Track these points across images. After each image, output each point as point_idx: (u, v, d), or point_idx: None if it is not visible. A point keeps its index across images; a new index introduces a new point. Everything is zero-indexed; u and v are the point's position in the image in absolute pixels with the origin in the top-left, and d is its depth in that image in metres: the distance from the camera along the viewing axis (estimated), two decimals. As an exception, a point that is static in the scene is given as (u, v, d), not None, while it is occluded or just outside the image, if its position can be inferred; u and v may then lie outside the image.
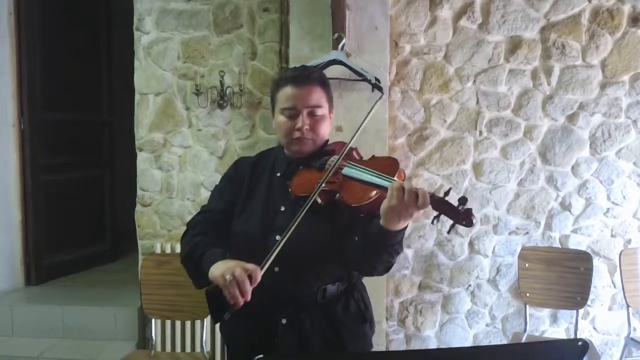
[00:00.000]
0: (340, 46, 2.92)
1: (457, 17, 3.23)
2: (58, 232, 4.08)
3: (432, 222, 1.39)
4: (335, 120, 3.04)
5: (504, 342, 3.28)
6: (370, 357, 1.54)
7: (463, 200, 1.32)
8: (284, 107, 1.68)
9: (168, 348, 3.30)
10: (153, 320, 3.00)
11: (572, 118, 3.23)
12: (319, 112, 1.68)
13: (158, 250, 3.31)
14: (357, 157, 1.71)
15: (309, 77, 1.68)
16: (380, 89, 2.94)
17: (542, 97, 3.23)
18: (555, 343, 1.62)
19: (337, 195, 1.54)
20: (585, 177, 3.26)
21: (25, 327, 3.54)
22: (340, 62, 2.89)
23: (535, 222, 3.29)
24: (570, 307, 3.10)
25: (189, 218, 3.37)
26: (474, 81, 3.25)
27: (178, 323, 3.29)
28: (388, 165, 1.58)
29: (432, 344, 3.37)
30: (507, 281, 3.33)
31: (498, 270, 3.33)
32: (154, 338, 3.05)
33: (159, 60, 3.39)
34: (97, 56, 4.40)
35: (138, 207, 3.49)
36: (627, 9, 3.16)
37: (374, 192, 1.48)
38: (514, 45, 3.22)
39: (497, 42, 3.22)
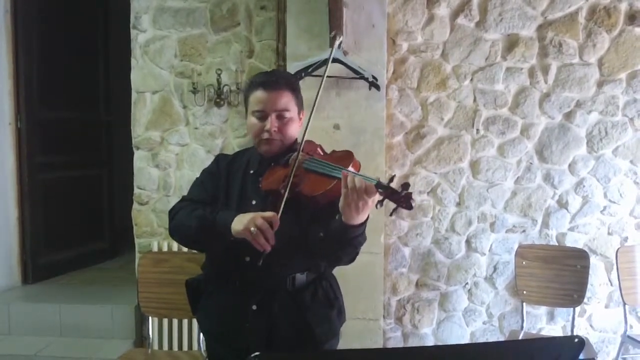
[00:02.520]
0: (337, 44, 2.92)
1: (455, 15, 3.23)
2: (55, 230, 4.07)
3: (376, 207, 1.47)
4: (332, 118, 3.08)
5: (501, 339, 3.29)
6: (367, 355, 1.54)
7: (405, 185, 1.41)
8: (254, 110, 1.80)
9: (165, 346, 3.30)
10: (150, 319, 2.99)
11: (569, 116, 3.24)
12: (287, 115, 1.79)
13: (155, 249, 3.32)
14: (321, 153, 1.83)
15: (277, 82, 1.79)
16: (377, 87, 2.94)
17: (539, 95, 3.24)
18: (552, 340, 1.62)
19: (297, 187, 1.65)
20: (582, 175, 3.26)
21: (22, 325, 3.53)
22: (337, 60, 2.88)
23: (532, 220, 3.29)
24: (567, 304, 3.11)
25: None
26: (471, 79, 3.25)
27: (175, 321, 3.30)
28: (343, 158, 1.70)
29: (430, 342, 3.37)
30: (504, 279, 3.33)
31: (495, 268, 3.33)
32: (151, 336, 3.05)
33: (156, 59, 3.38)
34: (94, 54, 4.39)
35: (135, 206, 3.49)
36: (624, 7, 3.17)
37: (329, 183, 1.59)
38: (511, 43, 3.22)
39: (494, 40, 3.23)
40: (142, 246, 3.45)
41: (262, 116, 1.78)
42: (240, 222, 1.63)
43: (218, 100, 3.30)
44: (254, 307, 1.76)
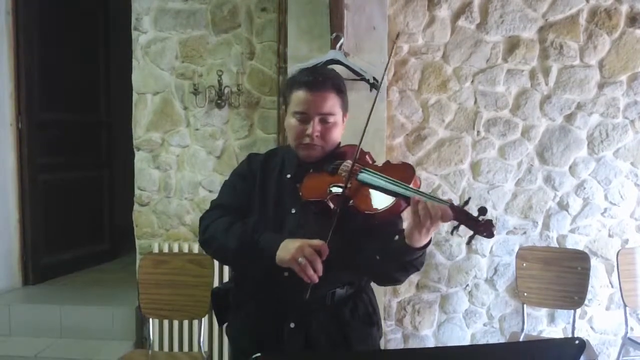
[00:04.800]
0: (338, 46, 2.93)
1: (455, 17, 3.23)
2: (56, 231, 4.07)
3: (452, 233, 1.38)
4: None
5: (502, 341, 3.28)
6: (368, 356, 1.54)
7: (483, 210, 1.32)
8: (295, 111, 1.65)
9: (166, 347, 3.30)
10: (151, 320, 2.99)
11: (569, 118, 3.24)
12: (331, 119, 1.65)
13: (156, 250, 3.31)
14: (370, 161, 1.68)
15: (324, 82, 1.64)
16: (377, 89, 2.94)
17: (540, 97, 3.24)
18: (553, 342, 1.63)
19: (351, 201, 1.51)
20: (582, 177, 3.26)
21: (22, 327, 3.53)
22: (339, 62, 2.88)
23: (533, 222, 3.29)
24: (568, 306, 3.11)
25: (187, 218, 3.43)
26: (472, 81, 3.25)
27: (176, 322, 3.29)
28: (403, 172, 1.54)
29: (430, 344, 3.37)
30: (505, 281, 3.33)
31: (496, 270, 3.33)
32: (151, 337, 3.05)
33: (157, 60, 3.39)
34: (95, 56, 4.39)
35: (136, 207, 3.49)
36: (624, 9, 3.17)
37: (388, 200, 1.46)
38: (512, 45, 3.22)
39: (495, 42, 3.23)
40: (142, 247, 3.45)
41: (304, 119, 1.64)
42: (286, 251, 1.49)
43: (219, 101, 3.30)
44: (292, 325, 1.63)
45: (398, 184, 1.46)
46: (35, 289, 3.91)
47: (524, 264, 3.12)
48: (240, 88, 3.28)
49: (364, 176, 1.54)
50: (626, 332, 3.06)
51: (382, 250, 1.51)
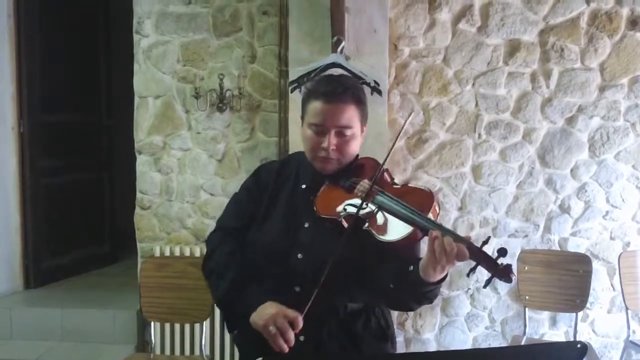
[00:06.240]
0: (339, 49, 2.93)
1: (456, 20, 3.24)
2: (57, 234, 4.08)
3: (468, 275, 1.33)
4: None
5: (504, 345, 3.28)
6: (369, 357, 1.54)
7: (502, 252, 1.27)
8: (311, 122, 1.58)
9: (167, 351, 3.30)
10: (152, 323, 2.99)
11: (571, 121, 3.24)
12: (348, 132, 1.57)
13: (157, 253, 3.32)
14: (389, 180, 1.60)
15: (343, 94, 1.55)
16: (379, 92, 2.95)
17: (541, 100, 3.24)
18: (554, 345, 1.62)
19: (366, 224, 1.46)
20: (584, 180, 3.26)
21: (24, 330, 3.53)
22: (340, 66, 2.89)
23: (534, 225, 3.29)
24: (570, 310, 3.10)
25: (188, 221, 3.43)
26: (473, 84, 3.25)
27: (177, 326, 3.29)
28: (422, 199, 1.46)
29: (432, 347, 3.36)
30: (507, 284, 3.31)
31: (497, 273, 3.32)
32: (153, 341, 3.05)
33: (159, 64, 3.39)
34: (96, 59, 4.40)
35: (137, 210, 3.49)
36: (625, 12, 3.17)
37: (405, 229, 1.40)
38: (513, 48, 3.22)
39: (496, 45, 3.23)
40: (144, 251, 3.45)
41: (320, 131, 1.56)
42: (260, 317, 1.46)
43: (220, 105, 3.30)
44: (302, 338, 1.53)
45: (416, 213, 1.40)
46: (36, 292, 3.92)
47: (526, 267, 3.11)
48: (242, 91, 3.28)
49: (381, 200, 1.47)
50: (628, 335, 3.06)
51: (396, 278, 1.47)
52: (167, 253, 3.30)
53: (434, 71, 3.26)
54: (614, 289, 3.30)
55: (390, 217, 1.44)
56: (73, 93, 4.18)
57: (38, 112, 3.94)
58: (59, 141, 4.11)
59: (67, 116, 4.16)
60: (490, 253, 1.30)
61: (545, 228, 3.29)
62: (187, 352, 3.29)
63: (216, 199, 3.38)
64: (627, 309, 3.04)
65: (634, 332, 3.14)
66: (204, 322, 2.92)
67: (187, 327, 3.28)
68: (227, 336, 3.28)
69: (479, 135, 3.28)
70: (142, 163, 3.46)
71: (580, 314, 3.11)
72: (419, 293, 1.43)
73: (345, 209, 1.52)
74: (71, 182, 4.23)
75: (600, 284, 3.29)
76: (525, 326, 3.15)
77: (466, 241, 1.30)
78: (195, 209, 3.41)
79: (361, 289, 1.57)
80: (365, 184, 1.53)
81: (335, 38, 2.93)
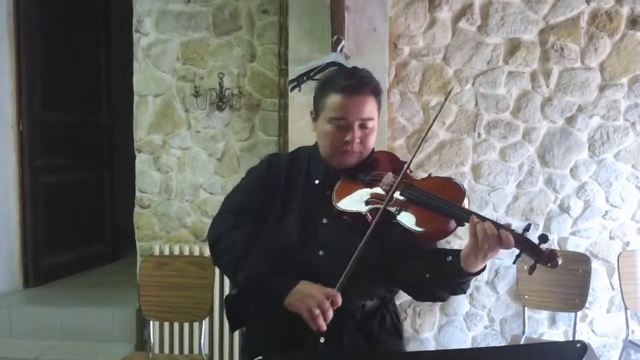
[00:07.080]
0: (339, 48, 2.92)
1: (456, 19, 3.23)
2: (57, 233, 4.07)
3: (514, 262, 1.32)
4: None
5: (503, 344, 3.28)
6: (369, 357, 1.54)
7: (544, 238, 1.27)
8: (332, 117, 1.55)
9: (166, 350, 3.29)
10: (151, 322, 2.99)
11: (570, 120, 3.24)
12: (370, 124, 1.56)
13: (157, 252, 3.31)
14: (409, 171, 1.58)
15: (364, 86, 1.55)
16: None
17: (540, 100, 3.24)
18: (554, 345, 1.62)
19: (397, 217, 1.43)
20: (583, 180, 3.26)
21: (23, 329, 3.53)
22: (339, 65, 2.88)
23: (534, 224, 3.29)
24: (569, 309, 3.10)
25: (188, 220, 3.43)
26: (473, 83, 3.25)
27: (176, 325, 3.29)
28: (453, 191, 1.45)
29: (431, 347, 3.36)
30: (506, 283, 3.33)
31: (496, 273, 3.33)
32: (152, 340, 3.05)
33: (158, 62, 3.39)
34: (96, 57, 4.39)
35: (137, 209, 3.49)
36: (625, 11, 3.17)
37: (436, 220, 1.39)
38: (513, 47, 3.22)
39: (496, 44, 3.23)
40: (143, 249, 3.45)
41: (343, 125, 1.54)
42: (298, 300, 1.43)
43: (220, 103, 3.29)
44: (322, 340, 1.51)
45: (449, 204, 1.39)
46: (35, 291, 3.91)
47: (525, 267, 3.11)
48: (241, 90, 3.28)
49: (410, 194, 1.45)
50: (627, 335, 3.06)
51: (433, 269, 1.46)
52: (167, 252, 3.29)
53: (434, 70, 3.25)
54: (613, 289, 3.29)
55: (421, 210, 1.42)
56: (73, 91, 4.17)
57: (37, 111, 3.93)
58: (59, 140, 4.10)
59: (67, 115, 4.15)
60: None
61: (544, 227, 3.29)
62: (186, 350, 3.29)
63: (216, 197, 3.37)
64: (626, 308, 3.05)
65: (633, 331, 3.14)
66: (203, 321, 2.92)
67: (186, 325, 3.28)
68: (226, 335, 3.27)
69: (479, 134, 3.28)
70: (142, 162, 3.45)
71: (579, 313, 3.11)
72: (455, 284, 1.44)
73: (367, 203, 1.49)
74: (70, 180, 4.22)
75: (600, 283, 3.29)
76: (524, 325, 3.15)
77: (509, 229, 1.30)
78: (195, 208, 3.41)
79: (385, 283, 1.58)
80: (390, 177, 1.52)
81: (335, 37, 2.93)
